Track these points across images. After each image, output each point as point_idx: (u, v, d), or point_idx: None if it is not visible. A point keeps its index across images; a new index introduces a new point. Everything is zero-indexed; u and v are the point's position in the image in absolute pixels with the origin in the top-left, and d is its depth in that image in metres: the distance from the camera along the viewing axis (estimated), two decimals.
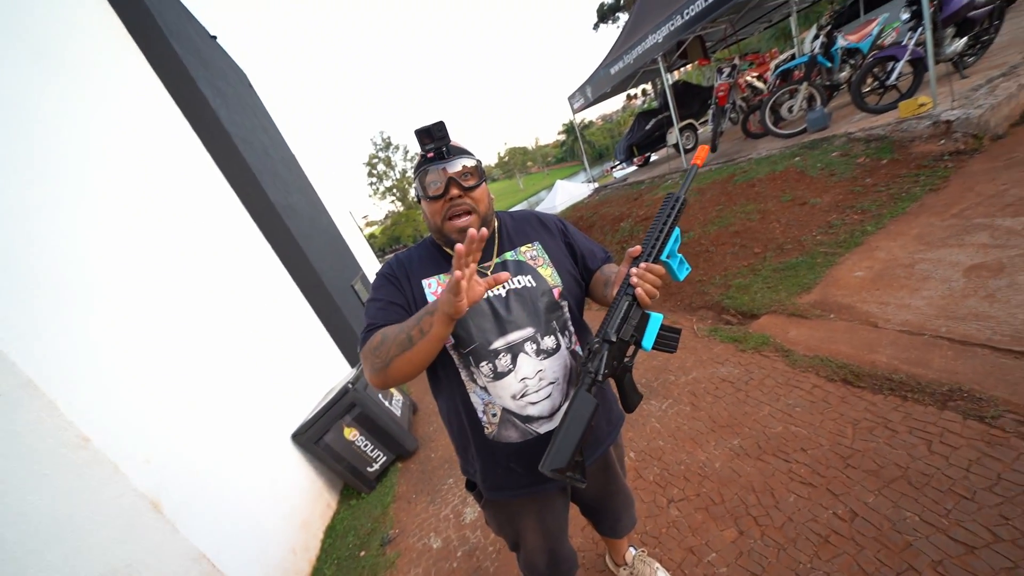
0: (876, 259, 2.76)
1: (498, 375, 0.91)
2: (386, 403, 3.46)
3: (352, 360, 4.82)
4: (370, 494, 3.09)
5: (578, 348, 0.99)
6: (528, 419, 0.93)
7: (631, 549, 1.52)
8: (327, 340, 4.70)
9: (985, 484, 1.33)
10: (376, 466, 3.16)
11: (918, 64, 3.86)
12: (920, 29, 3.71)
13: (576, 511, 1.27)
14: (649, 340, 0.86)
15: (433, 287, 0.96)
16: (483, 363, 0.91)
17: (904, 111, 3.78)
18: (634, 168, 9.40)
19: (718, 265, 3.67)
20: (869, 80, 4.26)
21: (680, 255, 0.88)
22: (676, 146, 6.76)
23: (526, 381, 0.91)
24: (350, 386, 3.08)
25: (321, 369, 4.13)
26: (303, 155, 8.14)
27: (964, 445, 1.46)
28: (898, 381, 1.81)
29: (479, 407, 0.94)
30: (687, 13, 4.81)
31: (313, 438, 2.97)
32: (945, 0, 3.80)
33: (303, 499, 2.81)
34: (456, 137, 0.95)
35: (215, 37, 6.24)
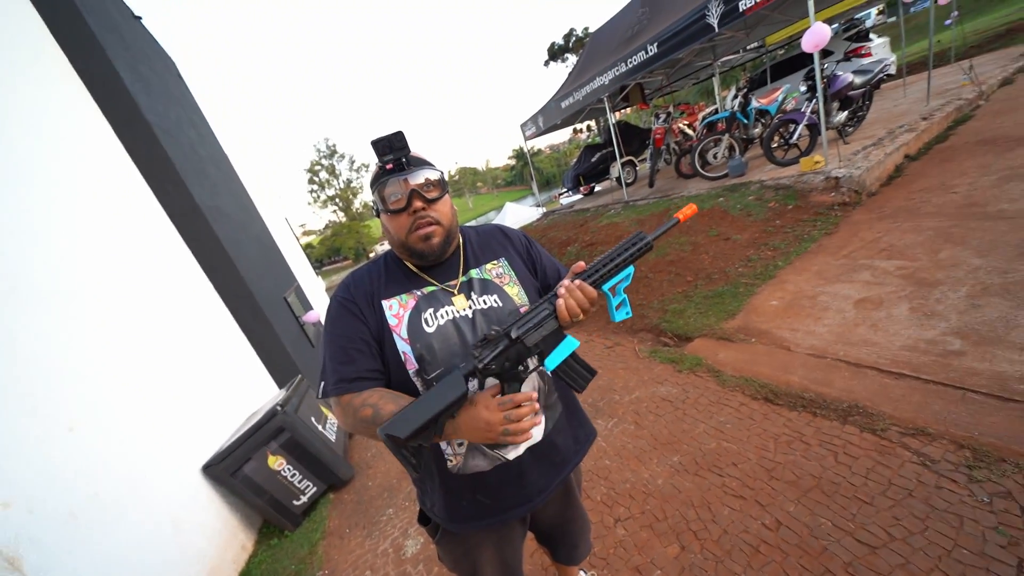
0: (786, 291, 3.15)
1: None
2: (319, 427, 3.17)
3: (281, 381, 4.38)
4: (295, 531, 2.77)
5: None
6: (497, 445, 0.88)
7: (581, 573, 1.50)
8: (252, 357, 4.24)
9: (880, 490, 1.53)
10: (304, 499, 2.85)
11: (813, 128, 4.60)
12: (814, 100, 4.44)
13: (530, 538, 1.24)
14: (554, 361, 0.79)
15: (394, 308, 0.89)
16: None
17: (804, 166, 4.45)
18: (580, 196, 9.93)
19: (656, 291, 3.94)
20: (776, 137, 4.98)
21: (625, 295, 0.83)
22: (618, 179, 7.29)
23: None
24: (279, 408, 2.78)
25: (243, 390, 3.70)
26: (237, 156, 7.49)
27: (862, 455, 1.68)
28: (808, 399, 2.05)
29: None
30: (630, 62, 5.33)
31: (230, 469, 2.62)
32: (832, 79, 4.63)
33: (212, 542, 2.44)
34: (416, 148, 0.91)
35: (140, 18, 5.63)
